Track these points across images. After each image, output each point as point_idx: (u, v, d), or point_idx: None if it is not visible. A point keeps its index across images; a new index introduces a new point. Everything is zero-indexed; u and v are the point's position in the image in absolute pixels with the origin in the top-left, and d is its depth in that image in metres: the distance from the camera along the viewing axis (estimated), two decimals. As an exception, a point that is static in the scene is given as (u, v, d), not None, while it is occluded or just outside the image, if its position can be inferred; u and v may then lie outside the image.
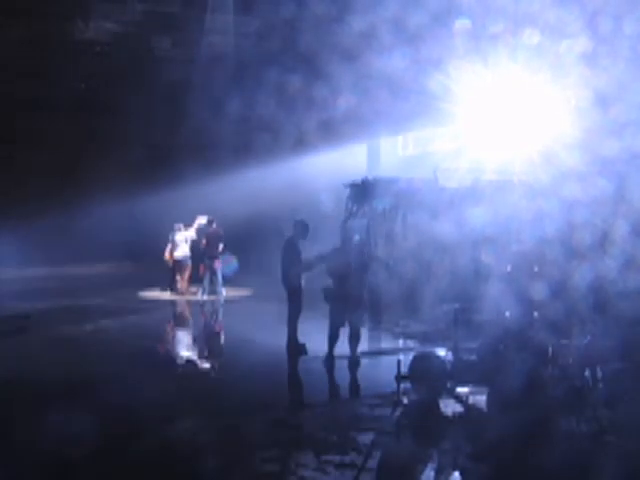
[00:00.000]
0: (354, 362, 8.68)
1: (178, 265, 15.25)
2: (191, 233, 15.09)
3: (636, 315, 6.29)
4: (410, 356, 6.97)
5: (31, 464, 5.37)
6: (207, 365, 9.80)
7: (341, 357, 9.02)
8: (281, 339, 9.18)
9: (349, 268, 8.50)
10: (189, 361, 10.06)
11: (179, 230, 15.20)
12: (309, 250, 9.30)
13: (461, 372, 6.59)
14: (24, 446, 5.73)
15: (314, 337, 9.00)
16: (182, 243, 15.16)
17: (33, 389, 7.57)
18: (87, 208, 18.03)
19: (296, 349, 9.03)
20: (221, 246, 14.66)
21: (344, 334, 8.79)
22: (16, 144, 18.83)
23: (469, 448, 5.45)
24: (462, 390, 6.66)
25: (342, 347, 8.96)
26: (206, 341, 11.57)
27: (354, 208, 10.70)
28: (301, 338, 9.18)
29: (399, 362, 6.47)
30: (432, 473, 5.30)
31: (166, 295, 15.37)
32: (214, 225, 14.84)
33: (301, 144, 17.14)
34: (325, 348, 8.72)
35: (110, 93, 18.58)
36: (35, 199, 17.81)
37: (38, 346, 10.08)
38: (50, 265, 18.38)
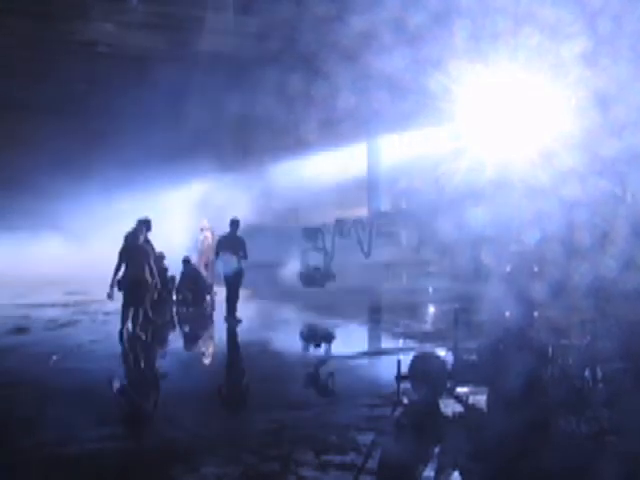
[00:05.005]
0: None
1: None
2: None
3: (636, 315, 6.29)
4: (410, 356, 6.98)
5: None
6: (204, 365, 9.80)
7: (338, 357, 9.04)
8: (278, 339, 9.19)
9: None
10: (183, 360, 10.06)
11: None
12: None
13: (461, 372, 6.60)
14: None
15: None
16: None
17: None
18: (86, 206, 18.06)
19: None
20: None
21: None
22: (16, 145, 18.81)
23: (469, 448, 5.45)
24: (462, 390, 6.66)
25: (340, 347, 8.96)
26: (200, 342, 11.57)
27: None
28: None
29: (399, 362, 6.49)
30: (432, 473, 5.30)
31: None
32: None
33: (301, 144, 17.17)
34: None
35: (110, 93, 18.58)
36: (36, 199, 17.82)
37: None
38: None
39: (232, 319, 11.60)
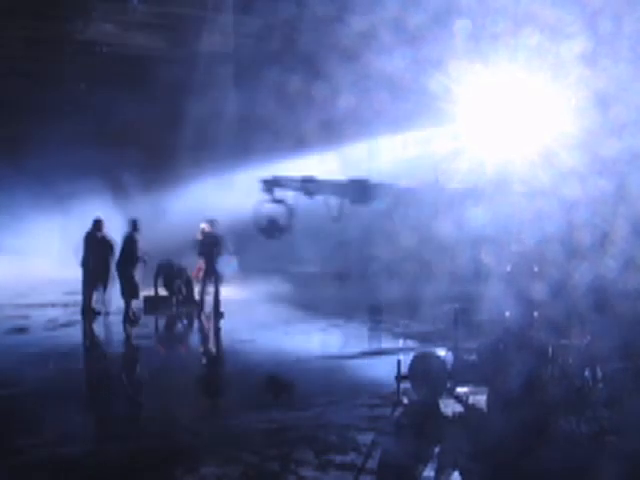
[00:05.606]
0: None
1: None
2: None
3: (636, 315, 6.29)
4: (410, 356, 6.98)
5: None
6: (204, 365, 9.80)
7: (339, 357, 9.05)
8: (276, 339, 9.18)
9: None
10: (184, 360, 10.06)
11: None
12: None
13: (461, 372, 6.60)
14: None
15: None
16: None
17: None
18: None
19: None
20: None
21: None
22: (16, 145, 18.78)
23: (469, 448, 5.46)
24: (462, 390, 6.66)
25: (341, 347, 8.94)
26: (197, 341, 11.57)
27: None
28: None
29: (399, 362, 6.49)
30: (432, 473, 5.30)
31: None
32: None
33: (301, 144, 17.15)
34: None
35: (110, 93, 18.57)
36: (36, 198, 17.79)
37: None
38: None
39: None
